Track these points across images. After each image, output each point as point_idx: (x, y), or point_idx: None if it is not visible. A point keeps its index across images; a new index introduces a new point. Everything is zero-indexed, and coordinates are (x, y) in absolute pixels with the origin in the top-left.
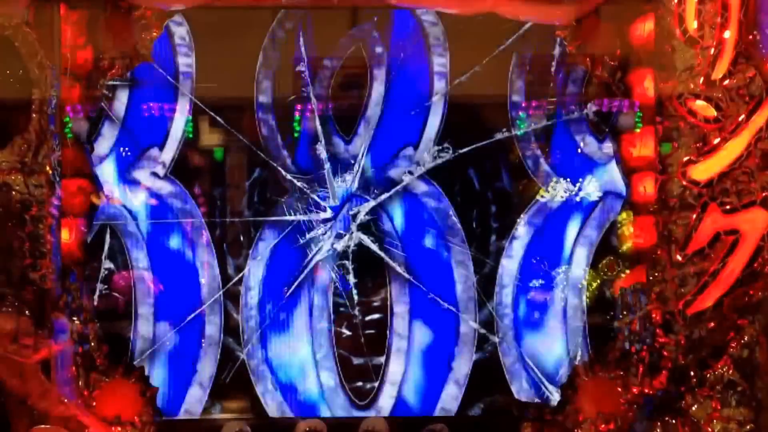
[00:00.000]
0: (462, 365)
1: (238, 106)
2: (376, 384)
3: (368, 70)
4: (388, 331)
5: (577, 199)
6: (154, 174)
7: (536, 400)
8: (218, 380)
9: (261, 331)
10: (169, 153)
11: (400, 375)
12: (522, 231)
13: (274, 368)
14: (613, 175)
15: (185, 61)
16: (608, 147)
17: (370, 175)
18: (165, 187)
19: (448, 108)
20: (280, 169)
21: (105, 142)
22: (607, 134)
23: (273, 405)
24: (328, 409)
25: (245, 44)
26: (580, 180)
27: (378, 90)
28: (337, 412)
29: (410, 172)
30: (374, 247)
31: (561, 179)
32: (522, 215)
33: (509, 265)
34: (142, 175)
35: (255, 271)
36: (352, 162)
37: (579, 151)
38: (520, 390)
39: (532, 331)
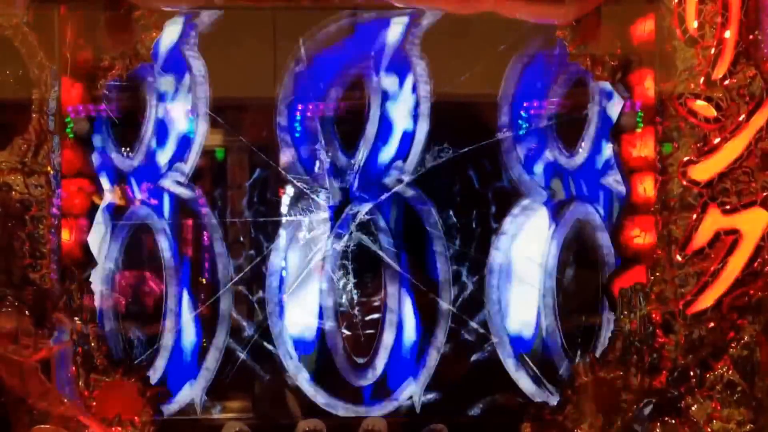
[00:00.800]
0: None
1: (238, 106)
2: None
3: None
4: (379, 327)
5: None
6: (177, 182)
7: (536, 399)
8: (218, 380)
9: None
10: (190, 162)
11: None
12: (509, 228)
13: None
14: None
15: (198, 67)
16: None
17: (367, 181)
18: (185, 192)
19: (441, 110)
20: (281, 170)
21: (138, 155)
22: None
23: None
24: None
25: (245, 44)
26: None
27: (374, 114)
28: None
29: (399, 180)
30: (374, 247)
31: (559, 179)
32: (508, 216)
33: (496, 263)
34: (167, 182)
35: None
36: (352, 167)
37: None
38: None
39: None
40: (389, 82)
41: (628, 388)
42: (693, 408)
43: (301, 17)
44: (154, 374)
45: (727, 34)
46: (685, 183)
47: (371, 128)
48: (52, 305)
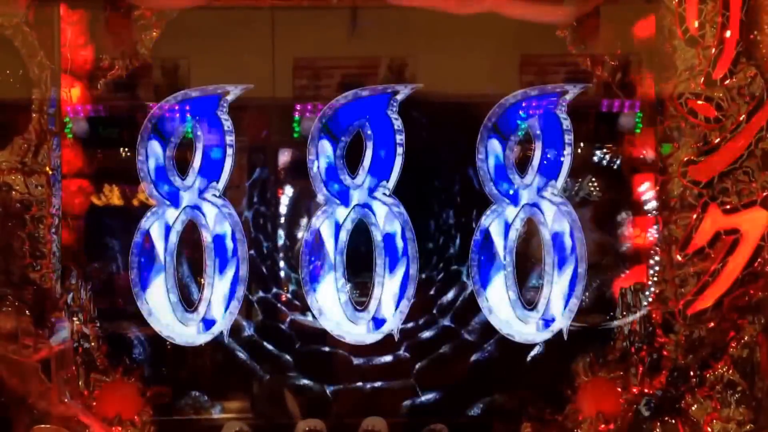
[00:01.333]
0: None
1: (239, 107)
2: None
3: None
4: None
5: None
6: (214, 195)
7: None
8: (219, 380)
9: None
10: (222, 182)
11: None
12: (483, 223)
13: None
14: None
15: (227, 125)
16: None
17: (362, 194)
18: (219, 201)
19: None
20: (281, 171)
21: (189, 178)
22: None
23: None
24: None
25: (245, 43)
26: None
27: (368, 154)
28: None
29: (384, 193)
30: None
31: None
32: (483, 215)
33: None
34: (208, 195)
35: None
36: (353, 186)
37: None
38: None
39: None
40: (377, 134)
41: (628, 388)
42: (693, 408)
43: (300, 16)
44: (199, 315)
45: (728, 33)
46: (685, 183)
47: (366, 161)
48: (52, 305)
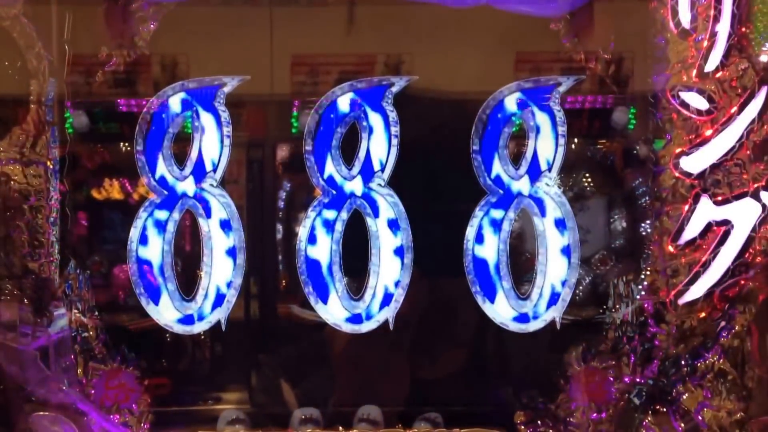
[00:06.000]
0: None
1: (238, 102)
2: None
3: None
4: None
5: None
6: (211, 185)
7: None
8: (216, 369)
9: None
10: (219, 173)
11: None
12: (477, 214)
13: None
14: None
15: (225, 117)
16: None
17: (358, 184)
18: (216, 191)
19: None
20: (279, 165)
21: (187, 169)
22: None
23: None
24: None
25: (243, 40)
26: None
27: (363, 145)
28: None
29: (379, 185)
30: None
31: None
32: (477, 207)
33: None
34: (205, 185)
35: None
36: (349, 176)
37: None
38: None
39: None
40: (372, 126)
41: (620, 377)
42: (684, 397)
43: (298, 12)
44: (197, 305)
45: (720, 26)
46: (677, 174)
47: (362, 152)
48: (51, 294)
